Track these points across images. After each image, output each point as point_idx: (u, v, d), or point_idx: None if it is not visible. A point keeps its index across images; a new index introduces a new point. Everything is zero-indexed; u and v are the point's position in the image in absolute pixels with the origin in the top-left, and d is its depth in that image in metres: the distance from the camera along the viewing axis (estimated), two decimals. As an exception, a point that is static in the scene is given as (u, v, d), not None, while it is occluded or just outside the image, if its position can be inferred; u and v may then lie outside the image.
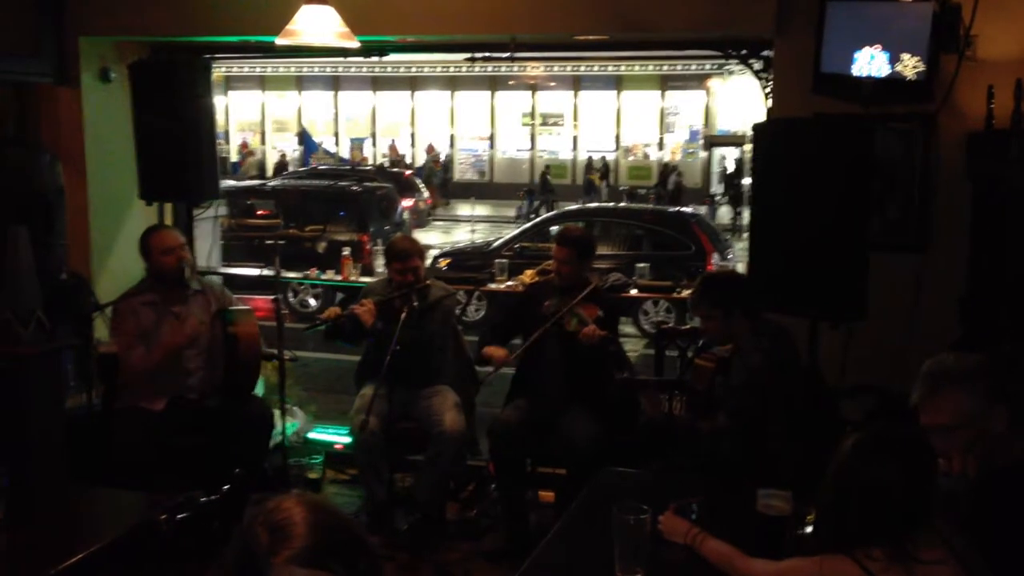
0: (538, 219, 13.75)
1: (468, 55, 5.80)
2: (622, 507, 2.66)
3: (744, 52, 5.32)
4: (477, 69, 27.87)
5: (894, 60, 4.24)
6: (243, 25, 5.57)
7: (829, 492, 2.28)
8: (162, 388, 4.81)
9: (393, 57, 6.03)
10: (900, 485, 2.19)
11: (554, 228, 12.41)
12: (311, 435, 6.23)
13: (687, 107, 31.28)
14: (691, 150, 30.99)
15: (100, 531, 3.13)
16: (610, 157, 30.93)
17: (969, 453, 2.51)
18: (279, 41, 4.49)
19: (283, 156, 31.30)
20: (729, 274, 4.88)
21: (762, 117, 4.85)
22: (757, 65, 5.29)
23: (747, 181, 26.05)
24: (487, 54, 5.70)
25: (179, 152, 5.49)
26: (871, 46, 4.27)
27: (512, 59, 5.55)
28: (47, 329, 4.25)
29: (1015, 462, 2.52)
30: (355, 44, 4.60)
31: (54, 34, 5.73)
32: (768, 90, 5.12)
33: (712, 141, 29.51)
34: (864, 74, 4.27)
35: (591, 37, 5.50)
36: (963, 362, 2.58)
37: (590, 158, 30.23)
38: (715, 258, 11.65)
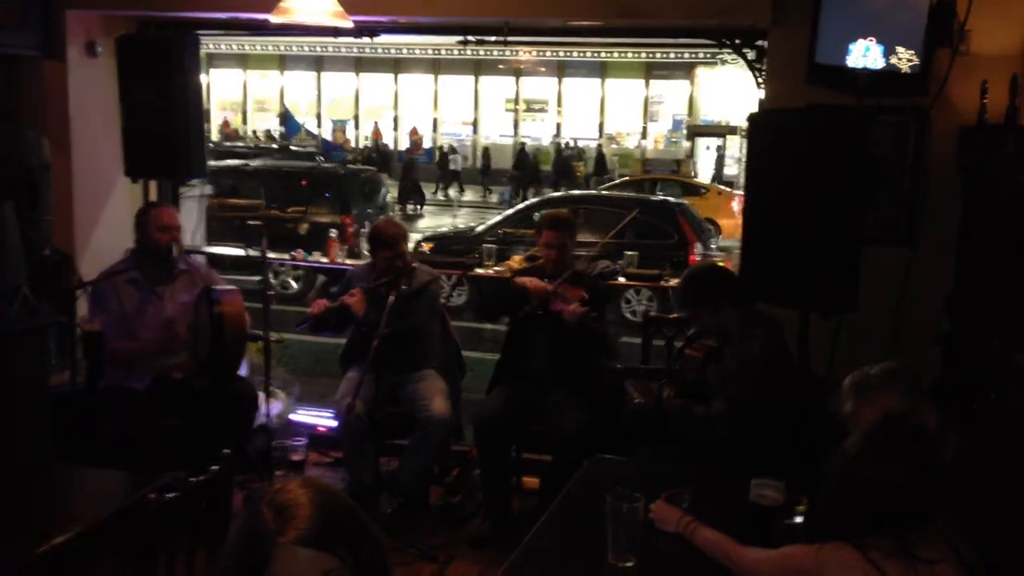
0: (521, 205, 13.72)
1: (460, 38, 5.76)
2: (615, 495, 2.66)
3: (738, 41, 5.31)
4: (461, 52, 27.83)
5: (889, 53, 4.23)
6: (233, 1, 5.51)
7: (834, 487, 2.29)
8: (146, 367, 4.78)
9: (379, 38, 5.98)
10: (905, 482, 2.20)
11: (537, 215, 12.39)
12: (294, 417, 6.20)
13: (671, 96, 31.31)
14: (674, 139, 31.05)
15: (88, 511, 3.10)
16: (593, 145, 31.01)
17: None
18: (273, 19, 4.44)
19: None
20: (710, 269, 4.85)
21: (747, 108, 4.85)
22: (751, 55, 5.28)
23: (730, 171, 26.23)
24: (480, 37, 5.66)
25: (166, 129, 5.45)
26: (866, 38, 4.26)
27: (505, 43, 5.51)
28: (32, 306, 4.21)
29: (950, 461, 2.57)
30: (349, 24, 4.56)
31: (41, 6, 5.64)
32: (761, 80, 5.12)
33: (695, 131, 29.55)
34: (859, 66, 4.27)
35: (585, 23, 5.48)
36: (883, 368, 2.75)
37: (559, 145, 30.40)
38: (698, 248, 11.65)
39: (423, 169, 27.83)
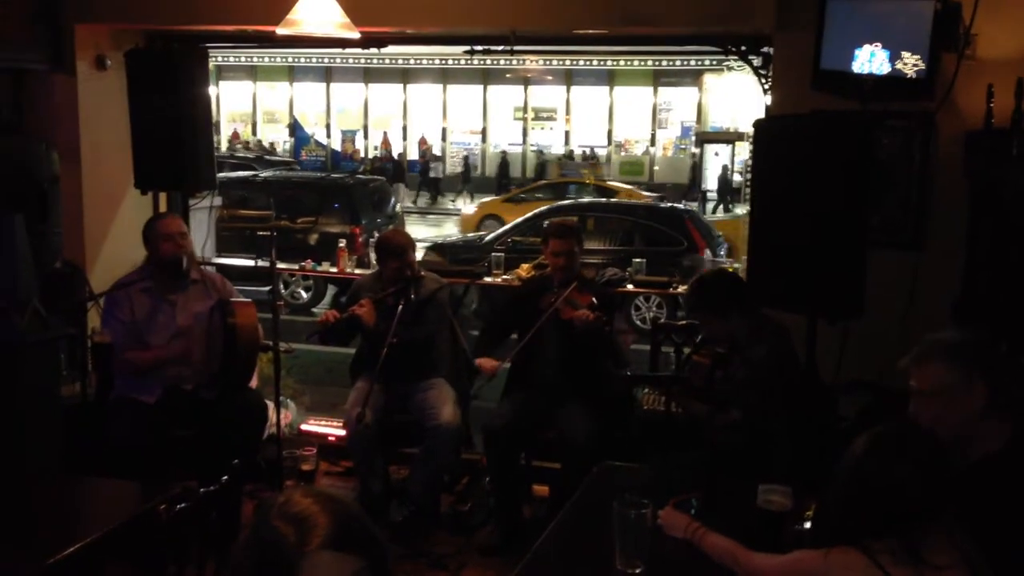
0: (531, 213, 13.71)
1: (467, 48, 5.78)
2: (622, 501, 2.66)
3: (744, 48, 5.32)
4: (469, 62, 27.89)
5: (894, 58, 4.23)
6: (241, 14, 5.54)
7: (842, 487, 2.29)
8: (157, 378, 4.80)
9: (387, 49, 6.00)
10: (914, 483, 2.20)
11: (547, 223, 12.38)
12: (305, 427, 6.22)
13: (680, 103, 31.31)
14: (683, 146, 31.06)
15: (98, 521, 3.11)
16: (601, 152, 31.09)
17: (936, 424, 2.57)
18: (280, 31, 4.47)
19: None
20: (720, 276, 4.83)
21: (755, 114, 4.85)
22: (756, 61, 5.29)
23: (738, 178, 26.21)
24: (486, 47, 5.68)
25: (175, 141, 5.48)
26: (871, 44, 4.26)
27: (511, 52, 5.53)
28: (43, 318, 4.23)
29: (995, 452, 2.57)
30: (356, 35, 4.59)
31: (50, 21, 5.68)
32: (767, 86, 5.13)
33: (704, 138, 29.55)
34: (864, 71, 4.27)
35: (590, 32, 5.49)
36: (956, 338, 2.68)
37: (540, 151, 30.66)
38: (707, 254, 11.64)
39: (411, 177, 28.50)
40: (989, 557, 2.25)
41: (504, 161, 30.55)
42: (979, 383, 2.58)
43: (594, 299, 4.76)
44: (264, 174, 15.87)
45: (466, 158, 31.61)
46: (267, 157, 25.54)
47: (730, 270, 6.27)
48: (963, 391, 2.59)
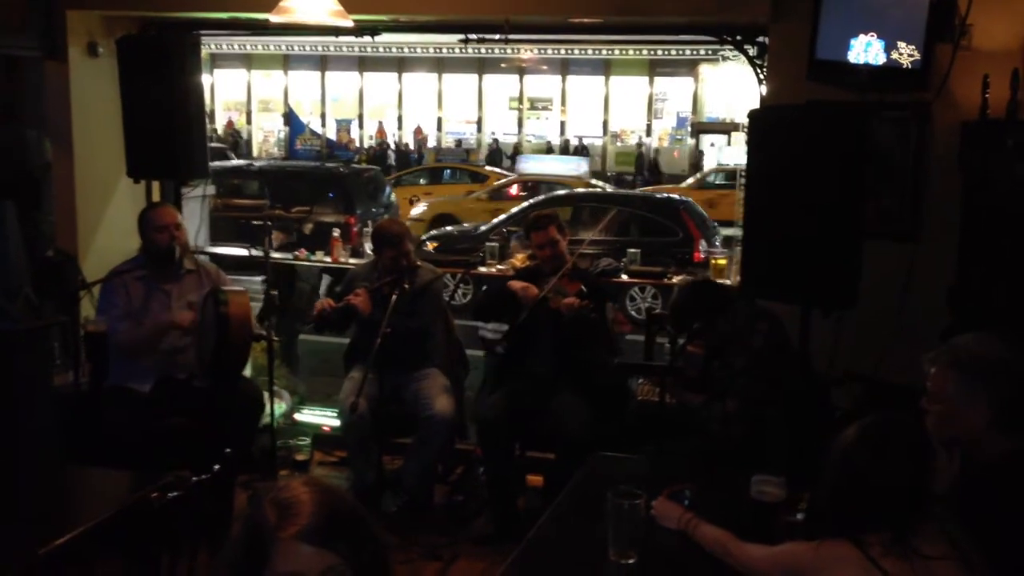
0: (526, 204, 13.68)
1: (461, 36, 5.76)
2: (616, 492, 2.66)
3: (739, 38, 5.30)
4: (464, 51, 27.85)
5: (890, 48, 4.23)
6: (234, 1, 5.52)
7: (830, 479, 2.29)
8: (150, 367, 4.79)
9: (382, 37, 5.98)
10: (902, 475, 2.19)
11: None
12: (299, 417, 6.21)
13: (675, 93, 31.27)
14: (679, 136, 31.03)
15: (91, 510, 3.10)
16: (598, 143, 31.05)
17: (940, 426, 2.56)
18: (272, 18, 4.44)
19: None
20: (695, 290, 4.73)
21: (752, 104, 4.84)
22: (752, 51, 5.27)
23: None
24: (481, 36, 5.65)
25: (167, 129, 5.43)
26: (867, 34, 4.26)
27: (506, 41, 5.51)
28: (35, 306, 4.22)
29: (992, 462, 2.55)
30: (349, 23, 4.56)
31: (42, 7, 5.64)
32: (763, 76, 5.11)
33: (700, 128, 29.52)
34: (860, 61, 4.27)
35: (585, 20, 5.47)
36: (974, 350, 2.59)
37: (497, 140, 30.90)
38: (702, 245, 11.62)
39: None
40: (989, 554, 2.25)
41: (459, 147, 30.94)
42: (982, 404, 2.51)
43: (582, 287, 4.75)
44: (259, 163, 15.82)
45: (419, 146, 31.73)
46: (212, 145, 25.38)
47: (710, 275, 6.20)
48: (966, 406, 2.53)
